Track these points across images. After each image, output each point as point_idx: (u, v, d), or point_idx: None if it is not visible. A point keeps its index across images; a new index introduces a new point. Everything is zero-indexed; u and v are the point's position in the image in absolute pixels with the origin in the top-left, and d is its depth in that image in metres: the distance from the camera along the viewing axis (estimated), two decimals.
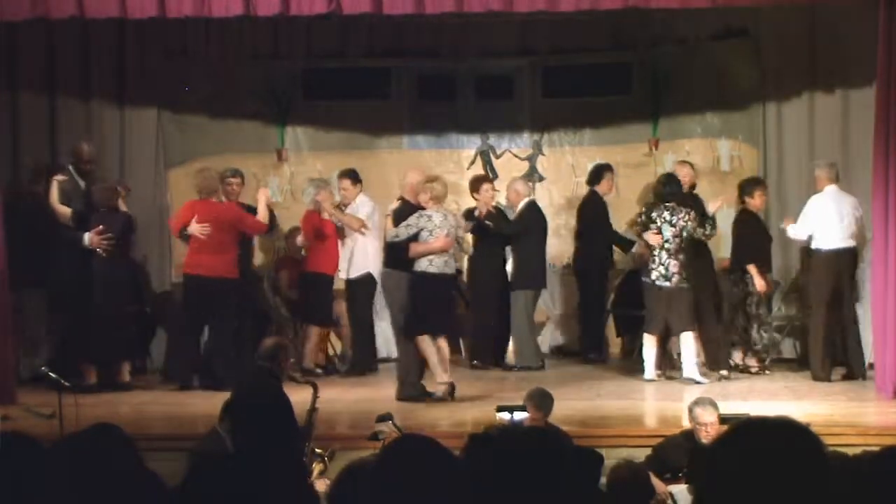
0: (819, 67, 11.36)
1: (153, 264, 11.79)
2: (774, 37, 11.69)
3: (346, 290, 11.26)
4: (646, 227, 10.42)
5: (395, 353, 10.78)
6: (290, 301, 11.59)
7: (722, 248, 11.60)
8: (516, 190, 11.55)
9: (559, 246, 12.55)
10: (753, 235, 10.80)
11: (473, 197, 11.45)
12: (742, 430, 2.61)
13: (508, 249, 11.46)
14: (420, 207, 9.60)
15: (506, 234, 11.31)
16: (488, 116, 12.88)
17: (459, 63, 12.82)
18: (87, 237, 10.12)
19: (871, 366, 9.97)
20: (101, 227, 10.14)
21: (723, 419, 6.95)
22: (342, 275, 11.20)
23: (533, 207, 11.50)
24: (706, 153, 12.37)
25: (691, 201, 10.78)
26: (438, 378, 9.43)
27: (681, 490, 6.65)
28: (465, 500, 2.98)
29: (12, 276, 9.69)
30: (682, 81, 12.28)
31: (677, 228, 10.35)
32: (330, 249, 11.15)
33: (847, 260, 10.28)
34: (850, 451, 4.85)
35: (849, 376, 10.27)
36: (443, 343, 9.58)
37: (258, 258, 11.83)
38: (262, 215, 10.54)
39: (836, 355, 10.36)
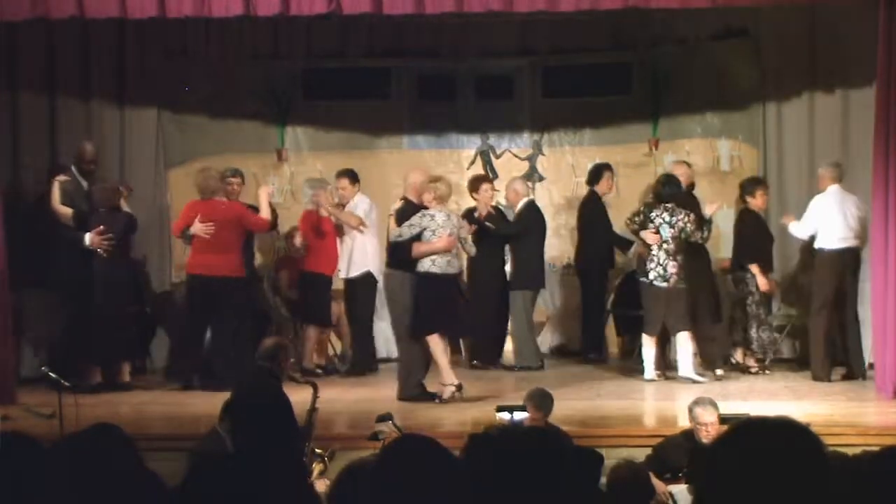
0: (819, 67, 11.36)
1: (153, 264, 11.79)
2: (774, 37, 11.69)
3: (346, 289, 11.26)
4: (643, 227, 10.42)
5: (395, 353, 10.77)
6: (290, 301, 11.59)
7: (722, 248, 11.61)
8: (515, 190, 11.55)
9: (559, 246, 12.56)
10: (755, 235, 10.81)
11: (473, 197, 11.45)
12: (742, 430, 2.61)
13: (507, 249, 11.47)
14: (423, 207, 9.59)
15: (506, 235, 11.32)
16: (488, 116, 12.89)
17: (459, 63, 12.83)
18: (88, 237, 10.12)
19: (871, 366, 9.98)
20: (101, 227, 10.14)
21: (723, 419, 6.94)
22: (342, 274, 11.20)
23: (532, 207, 11.50)
24: (706, 153, 12.37)
25: (690, 202, 10.78)
26: (448, 380, 9.41)
27: (681, 490, 6.65)
28: (465, 500, 2.98)
29: (12, 276, 9.69)
30: (682, 81, 12.29)
31: (676, 230, 10.34)
32: (329, 249, 11.15)
33: (850, 260, 10.28)
34: (850, 451, 4.84)
35: (849, 376, 10.27)
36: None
37: (258, 258, 11.83)
38: (265, 212, 10.52)
39: (836, 355, 10.36)
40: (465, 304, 10.30)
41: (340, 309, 11.45)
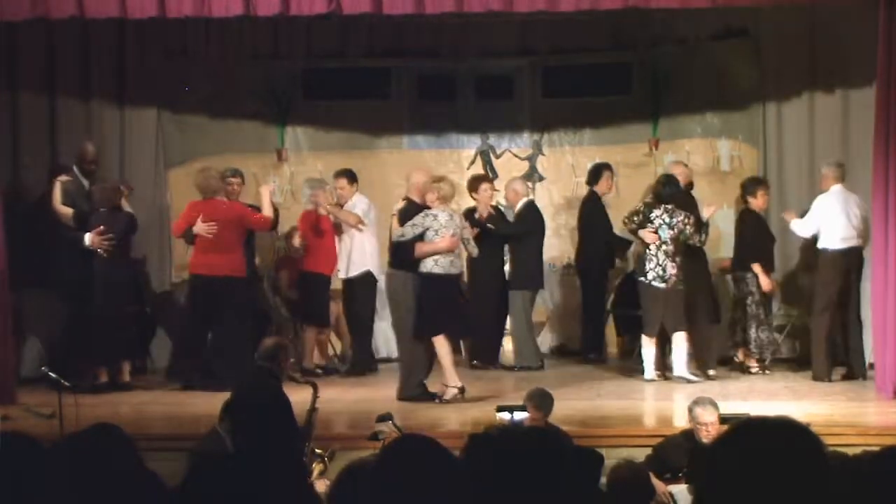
0: (819, 67, 11.36)
1: (153, 264, 11.78)
2: (774, 37, 11.69)
3: (345, 289, 11.26)
4: (642, 226, 10.41)
5: (395, 353, 10.78)
6: (290, 301, 11.59)
7: (722, 248, 11.61)
8: (515, 190, 11.55)
9: (559, 246, 12.57)
10: (757, 235, 10.80)
11: (472, 197, 11.44)
12: (742, 430, 2.61)
13: (506, 249, 11.46)
14: (425, 207, 9.58)
15: (507, 235, 11.32)
16: (488, 116, 12.89)
17: (459, 63, 12.83)
18: (88, 238, 10.11)
19: (871, 366, 9.98)
20: (101, 227, 10.14)
21: (723, 419, 6.94)
22: (341, 274, 11.19)
23: (531, 207, 11.50)
24: (706, 153, 12.37)
25: (689, 202, 10.78)
26: (451, 381, 9.41)
27: (681, 490, 6.65)
28: (465, 500, 2.98)
29: (12, 276, 9.69)
30: (682, 81, 12.29)
31: (675, 231, 10.34)
32: (327, 249, 11.15)
33: (854, 260, 10.27)
34: (850, 451, 4.84)
35: (849, 376, 10.27)
36: None
37: (258, 258, 11.83)
38: (268, 210, 10.50)
39: (837, 355, 10.36)
40: (464, 304, 10.30)
41: (339, 309, 11.45)
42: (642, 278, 10.41)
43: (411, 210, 9.66)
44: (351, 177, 11.26)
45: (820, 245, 10.34)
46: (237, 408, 6.76)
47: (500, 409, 7.85)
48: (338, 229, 11.21)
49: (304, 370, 10.51)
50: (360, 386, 10.46)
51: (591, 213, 11.68)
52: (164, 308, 11.64)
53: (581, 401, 9.37)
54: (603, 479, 5.78)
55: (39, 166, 11.06)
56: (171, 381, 10.47)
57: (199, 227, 10.23)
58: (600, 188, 11.74)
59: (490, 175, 12.41)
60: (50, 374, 7.68)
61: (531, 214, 11.42)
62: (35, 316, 10.73)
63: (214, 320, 10.23)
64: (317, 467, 6.79)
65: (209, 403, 7.99)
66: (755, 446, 2.53)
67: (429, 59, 12.85)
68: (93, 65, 11.63)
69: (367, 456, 4.18)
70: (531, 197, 11.88)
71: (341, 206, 11.20)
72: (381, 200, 11.51)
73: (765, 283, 10.60)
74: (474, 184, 11.48)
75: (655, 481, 6.52)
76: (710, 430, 6.88)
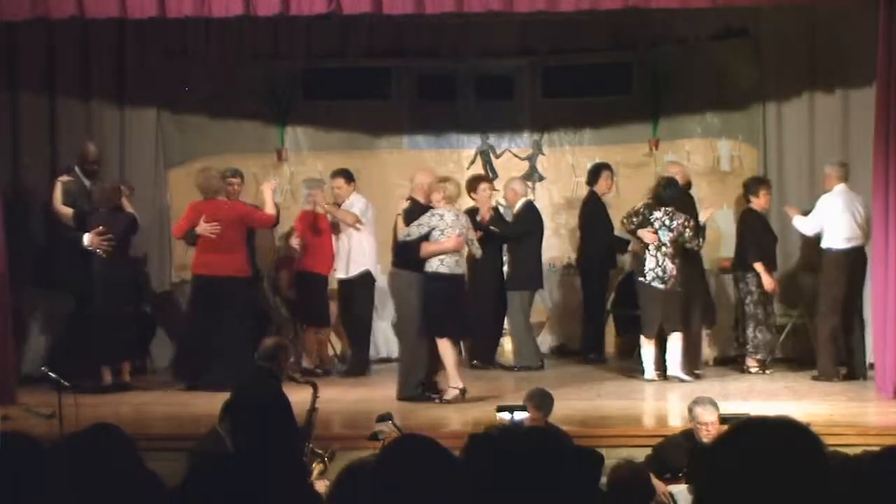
0: (819, 67, 11.36)
1: (153, 264, 11.78)
2: (774, 37, 11.69)
3: (343, 289, 11.24)
4: (642, 227, 10.41)
5: (395, 353, 10.77)
6: (290, 301, 11.59)
7: (722, 248, 11.60)
8: (514, 189, 11.56)
9: (559, 246, 12.57)
10: (759, 235, 10.79)
11: (471, 197, 11.43)
12: (742, 430, 2.61)
13: (505, 249, 11.46)
14: (430, 207, 9.58)
15: (508, 236, 11.31)
16: (488, 116, 12.89)
17: (459, 63, 12.83)
18: (87, 238, 10.11)
19: (872, 366, 9.97)
20: (100, 227, 10.13)
21: (723, 419, 6.94)
22: (340, 274, 11.19)
23: (531, 208, 11.50)
24: (706, 153, 12.37)
25: (688, 202, 10.78)
26: (453, 383, 9.40)
27: (681, 490, 6.65)
28: (465, 500, 2.98)
29: (13, 276, 9.69)
30: (682, 81, 12.29)
31: (675, 233, 10.34)
32: (325, 248, 11.15)
33: (858, 259, 10.26)
34: (850, 451, 4.84)
35: (849, 376, 10.26)
36: None
37: (258, 258, 11.82)
38: (270, 208, 10.48)
39: (839, 355, 10.35)
40: (465, 304, 10.29)
41: (336, 309, 11.44)
42: (641, 279, 10.41)
43: (416, 210, 9.66)
44: (348, 176, 11.26)
45: (824, 245, 10.32)
46: (237, 408, 6.76)
47: (501, 409, 7.85)
48: (335, 229, 11.21)
49: (304, 370, 10.50)
50: (359, 386, 10.46)
51: (592, 213, 11.68)
52: (164, 308, 11.63)
53: (581, 401, 9.37)
54: (603, 479, 5.78)
55: (39, 166, 11.06)
56: (176, 380, 10.42)
57: (203, 228, 10.22)
58: (599, 188, 11.74)
59: (490, 175, 12.41)
60: (50, 374, 7.68)
61: (530, 214, 11.42)
62: (35, 316, 10.73)
63: (215, 320, 10.23)
64: (317, 467, 6.79)
65: (209, 403, 7.99)
66: (755, 446, 2.53)
67: (429, 59, 12.85)
68: (93, 65, 11.63)
69: (367, 456, 4.17)
70: (530, 197, 11.88)
71: (339, 205, 11.20)
72: (381, 200, 11.51)
73: (767, 282, 10.60)
74: (473, 184, 11.47)
75: (655, 481, 6.51)
76: (710, 429, 6.88)
